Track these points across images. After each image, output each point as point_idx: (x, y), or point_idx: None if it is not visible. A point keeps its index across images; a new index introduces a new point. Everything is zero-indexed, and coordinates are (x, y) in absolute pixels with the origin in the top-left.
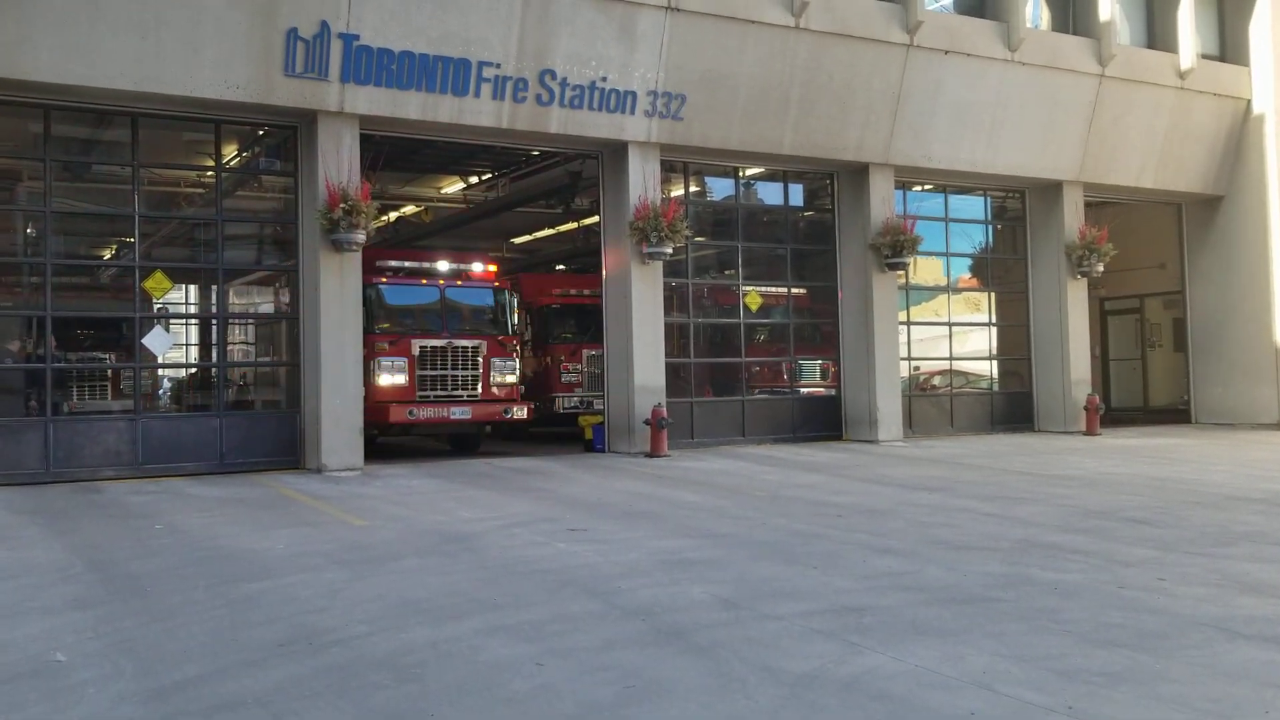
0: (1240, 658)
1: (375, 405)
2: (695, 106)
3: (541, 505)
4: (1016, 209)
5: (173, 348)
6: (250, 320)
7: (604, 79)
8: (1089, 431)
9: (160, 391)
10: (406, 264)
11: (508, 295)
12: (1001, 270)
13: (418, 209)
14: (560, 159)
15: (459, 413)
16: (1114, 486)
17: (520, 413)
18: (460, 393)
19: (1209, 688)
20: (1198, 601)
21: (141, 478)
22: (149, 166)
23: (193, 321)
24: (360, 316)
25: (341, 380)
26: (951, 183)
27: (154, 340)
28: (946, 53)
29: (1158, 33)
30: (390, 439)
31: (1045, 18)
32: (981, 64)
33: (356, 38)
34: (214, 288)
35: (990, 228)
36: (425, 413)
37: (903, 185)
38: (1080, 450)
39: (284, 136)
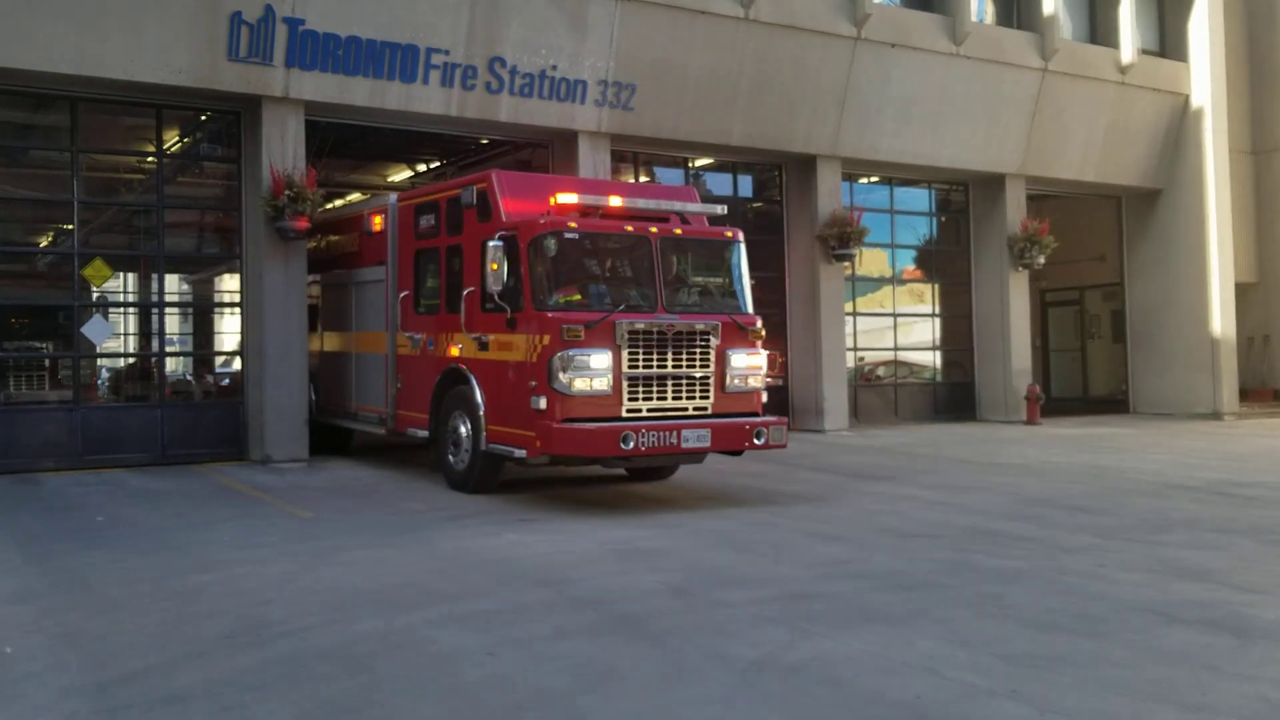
0: (1177, 641)
1: (560, 428)
2: (645, 97)
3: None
4: (960, 202)
5: (112, 337)
6: (192, 309)
7: (554, 67)
8: (1030, 421)
9: (99, 382)
10: (599, 199)
11: (742, 251)
12: (945, 262)
13: (364, 197)
14: (510, 148)
15: (694, 438)
16: (1055, 475)
17: (778, 436)
18: (686, 403)
19: (1148, 670)
20: (1137, 587)
21: (82, 469)
22: (88, 152)
23: (132, 310)
24: (305, 308)
25: (286, 370)
26: (897, 175)
27: (93, 329)
28: (893, 46)
29: (1099, 28)
30: (537, 469)
31: (990, 12)
32: (927, 58)
33: (302, 22)
34: (154, 275)
35: (935, 220)
36: (648, 440)
37: (849, 177)
38: (1022, 439)
39: (227, 122)
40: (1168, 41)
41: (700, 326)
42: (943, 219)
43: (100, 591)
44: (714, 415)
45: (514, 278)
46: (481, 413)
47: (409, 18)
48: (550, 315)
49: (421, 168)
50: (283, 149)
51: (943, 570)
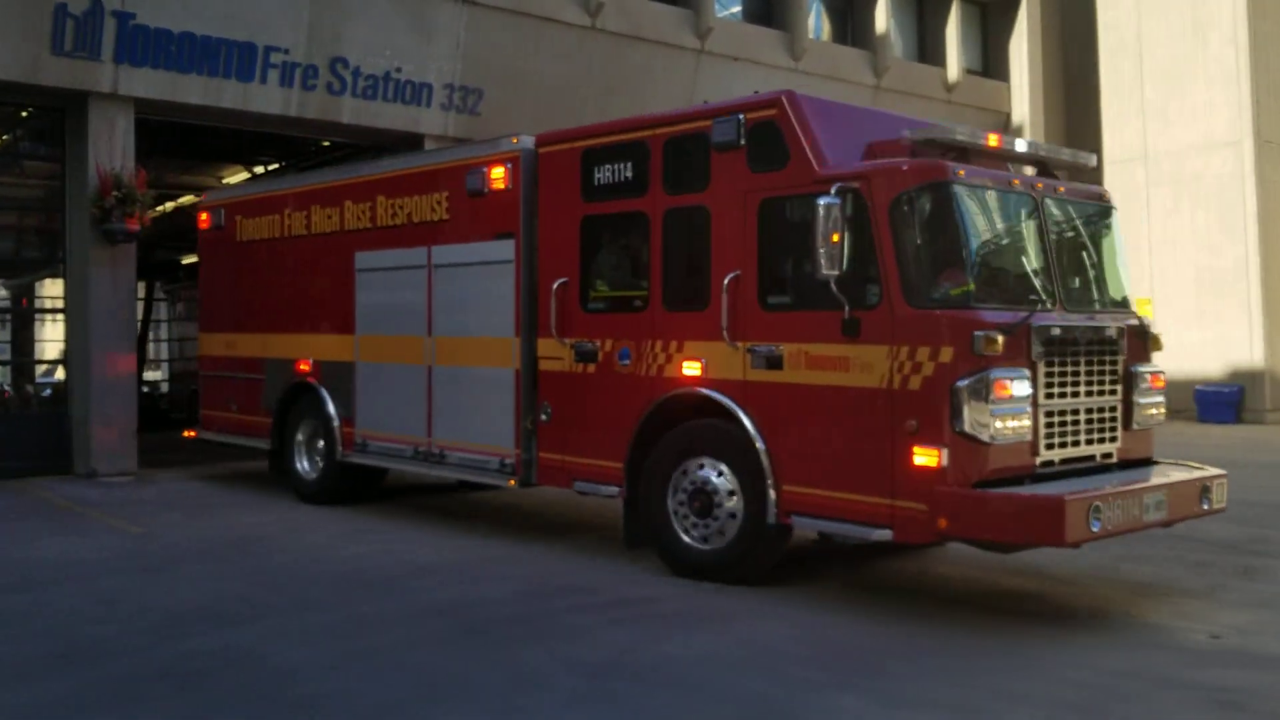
0: None
1: (979, 498)
2: (492, 102)
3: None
4: None
5: None
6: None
7: (399, 70)
8: None
9: None
10: (974, 137)
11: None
12: None
13: (198, 199)
14: (353, 150)
15: (1153, 506)
16: None
17: (1221, 495)
18: (1094, 448)
19: None
20: None
21: None
22: None
23: None
24: (134, 313)
25: (114, 380)
26: None
27: None
28: (735, 60)
29: (928, 47)
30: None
31: (826, 29)
32: (768, 72)
33: (133, 16)
34: None
35: None
36: (1114, 514)
37: None
38: None
39: (51, 119)
40: (990, 61)
41: (1111, 332)
42: None
43: None
44: (1127, 464)
45: (857, 255)
46: (766, 463)
47: (247, 15)
48: (945, 315)
49: (260, 169)
50: (110, 148)
51: None
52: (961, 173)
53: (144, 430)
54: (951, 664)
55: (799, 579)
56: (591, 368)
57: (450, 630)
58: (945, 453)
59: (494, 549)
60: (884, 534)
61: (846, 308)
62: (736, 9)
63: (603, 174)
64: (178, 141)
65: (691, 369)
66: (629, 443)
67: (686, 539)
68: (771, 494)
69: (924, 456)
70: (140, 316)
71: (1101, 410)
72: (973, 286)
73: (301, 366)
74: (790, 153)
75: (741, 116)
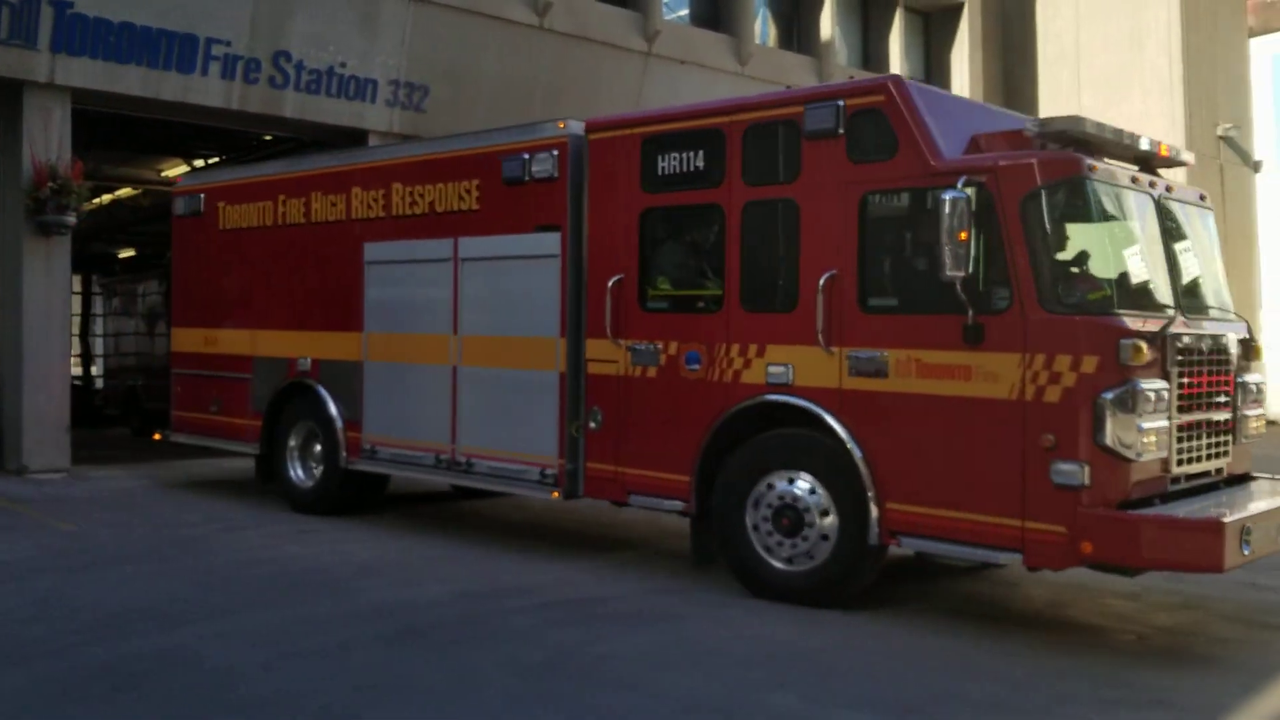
0: None
1: (1128, 520)
2: (439, 99)
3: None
4: None
5: None
6: None
7: (344, 65)
8: None
9: None
10: (1101, 130)
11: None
12: None
13: (135, 191)
14: (295, 145)
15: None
16: None
17: None
18: (1212, 463)
19: None
20: None
21: None
22: None
23: None
24: (69, 306)
25: (46, 375)
26: None
27: None
28: (682, 63)
29: (872, 55)
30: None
31: (772, 34)
32: (714, 75)
33: (70, 5)
34: None
35: None
36: (1262, 536)
37: None
38: None
39: None
40: (933, 70)
41: (1227, 340)
42: None
43: None
44: (1231, 480)
45: (983, 254)
46: (867, 479)
47: (188, 6)
48: (1087, 321)
49: (200, 162)
50: (46, 139)
51: None
52: (1095, 168)
53: (78, 427)
54: (892, 664)
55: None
56: (652, 371)
57: (391, 631)
58: (1087, 470)
59: (438, 549)
60: (1011, 558)
61: (970, 312)
62: (684, 12)
63: (668, 163)
64: (117, 133)
65: (776, 375)
66: (698, 454)
67: (771, 560)
68: (874, 512)
69: (1064, 475)
70: (79, 311)
71: (1218, 423)
72: (1110, 291)
73: (298, 365)
74: (899, 142)
75: (841, 103)
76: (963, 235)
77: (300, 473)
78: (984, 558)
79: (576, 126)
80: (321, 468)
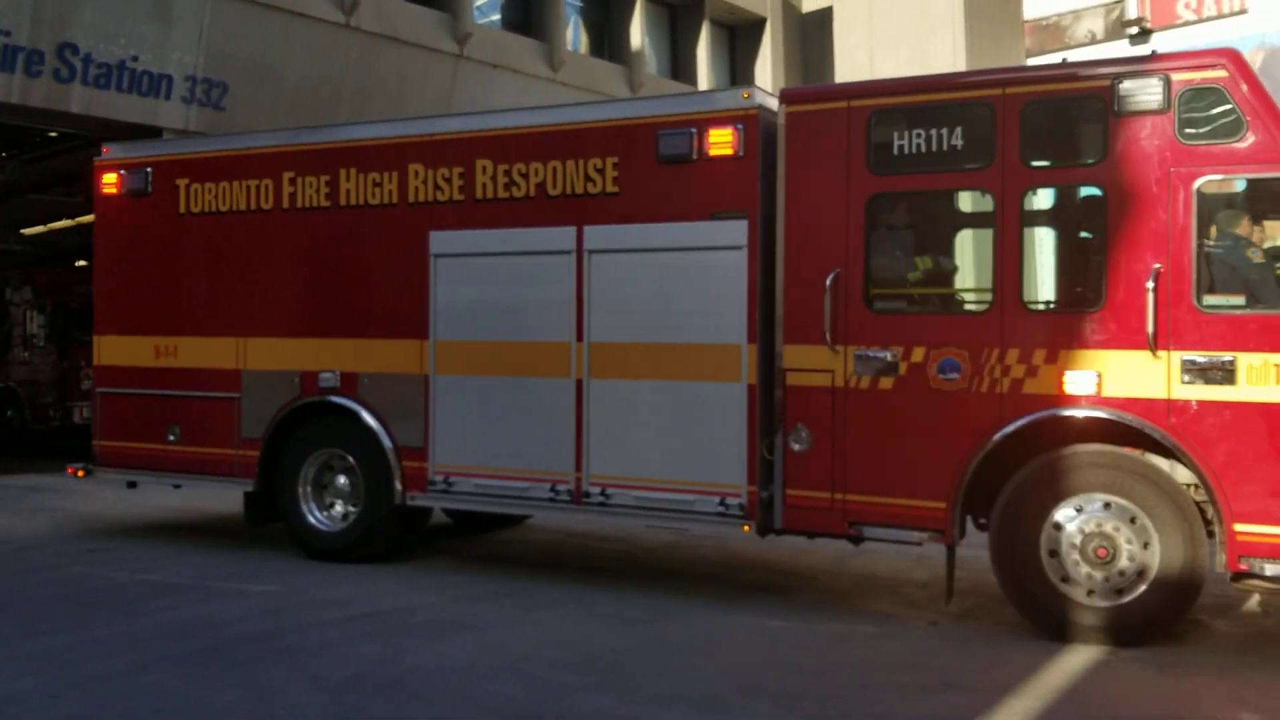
0: None
1: None
2: (238, 97)
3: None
4: None
5: None
6: None
7: (135, 59)
8: None
9: None
10: None
11: None
12: None
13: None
14: (84, 142)
15: None
16: None
17: None
18: None
19: None
20: None
21: None
22: None
23: None
24: None
25: None
26: None
27: None
28: (495, 67)
29: (680, 65)
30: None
31: (584, 42)
32: (527, 81)
33: None
34: None
35: None
36: None
37: None
38: None
39: None
40: (739, 81)
41: None
42: None
43: None
44: None
45: None
46: (1215, 503)
47: None
48: None
49: None
50: None
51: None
52: None
53: None
54: (698, 660)
55: (543, 581)
56: (886, 382)
57: (188, 651)
58: None
59: (239, 564)
60: None
61: None
62: (496, 17)
63: (911, 141)
64: None
65: (1077, 385)
66: (960, 479)
67: (1077, 596)
68: (1226, 538)
69: None
70: None
71: None
72: None
73: (320, 380)
74: (1247, 124)
75: (1163, 76)
76: None
77: (317, 514)
78: None
79: (766, 98)
80: (358, 506)
